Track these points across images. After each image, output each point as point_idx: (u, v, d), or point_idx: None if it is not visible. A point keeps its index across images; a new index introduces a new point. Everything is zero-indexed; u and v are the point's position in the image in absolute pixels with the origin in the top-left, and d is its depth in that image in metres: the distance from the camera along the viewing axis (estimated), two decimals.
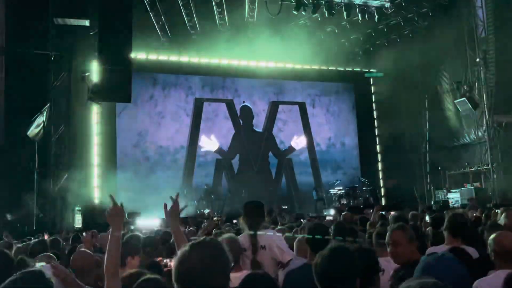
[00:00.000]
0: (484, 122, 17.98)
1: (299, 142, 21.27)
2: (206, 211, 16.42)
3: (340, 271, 2.28)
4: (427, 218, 7.20)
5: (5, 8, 15.53)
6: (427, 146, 20.96)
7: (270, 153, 20.82)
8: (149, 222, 12.36)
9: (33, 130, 14.70)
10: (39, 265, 3.78)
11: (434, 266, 2.60)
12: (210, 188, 18.32)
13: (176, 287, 1.76)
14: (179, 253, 1.80)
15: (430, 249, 4.03)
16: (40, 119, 14.88)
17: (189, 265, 1.73)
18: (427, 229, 5.82)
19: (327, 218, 10.95)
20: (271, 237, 4.22)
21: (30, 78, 14.87)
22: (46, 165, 15.32)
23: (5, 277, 2.34)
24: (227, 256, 1.81)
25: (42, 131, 14.95)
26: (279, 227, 6.74)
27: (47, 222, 14.67)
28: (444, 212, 7.36)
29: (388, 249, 3.43)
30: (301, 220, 10.75)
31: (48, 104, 15.32)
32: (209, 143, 19.70)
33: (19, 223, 13.87)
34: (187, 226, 8.31)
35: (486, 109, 17.76)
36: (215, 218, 7.90)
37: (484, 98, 17.70)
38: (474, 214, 7.80)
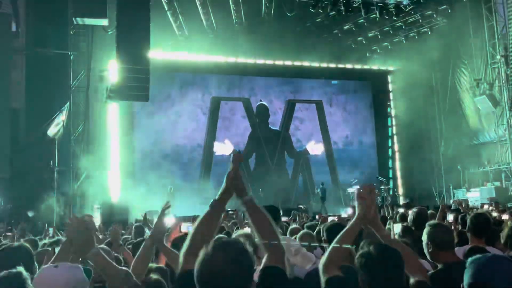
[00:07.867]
0: (505, 121, 17.70)
1: (314, 148, 21.12)
2: None
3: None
4: (449, 217, 7.08)
5: (25, 8, 15.77)
6: (446, 144, 20.67)
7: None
8: (166, 220, 12.41)
9: (53, 129, 14.90)
10: None
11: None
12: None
13: None
14: (201, 254, 1.71)
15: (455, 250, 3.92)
16: (60, 118, 15.07)
17: (212, 267, 1.67)
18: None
19: (342, 216, 10.82)
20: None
21: (49, 78, 15.08)
22: (66, 163, 15.51)
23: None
24: (250, 257, 1.73)
25: (61, 129, 15.15)
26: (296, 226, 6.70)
27: (66, 219, 14.81)
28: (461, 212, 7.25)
29: None
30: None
31: (68, 103, 15.52)
32: (223, 148, 19.69)
33: (40, 221, 14.05)
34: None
35: (506, 107, 17.48)
36: (230, 211, 7.87)
37: (505, 95, 17.41)
38: (495, 214, 7.65)
